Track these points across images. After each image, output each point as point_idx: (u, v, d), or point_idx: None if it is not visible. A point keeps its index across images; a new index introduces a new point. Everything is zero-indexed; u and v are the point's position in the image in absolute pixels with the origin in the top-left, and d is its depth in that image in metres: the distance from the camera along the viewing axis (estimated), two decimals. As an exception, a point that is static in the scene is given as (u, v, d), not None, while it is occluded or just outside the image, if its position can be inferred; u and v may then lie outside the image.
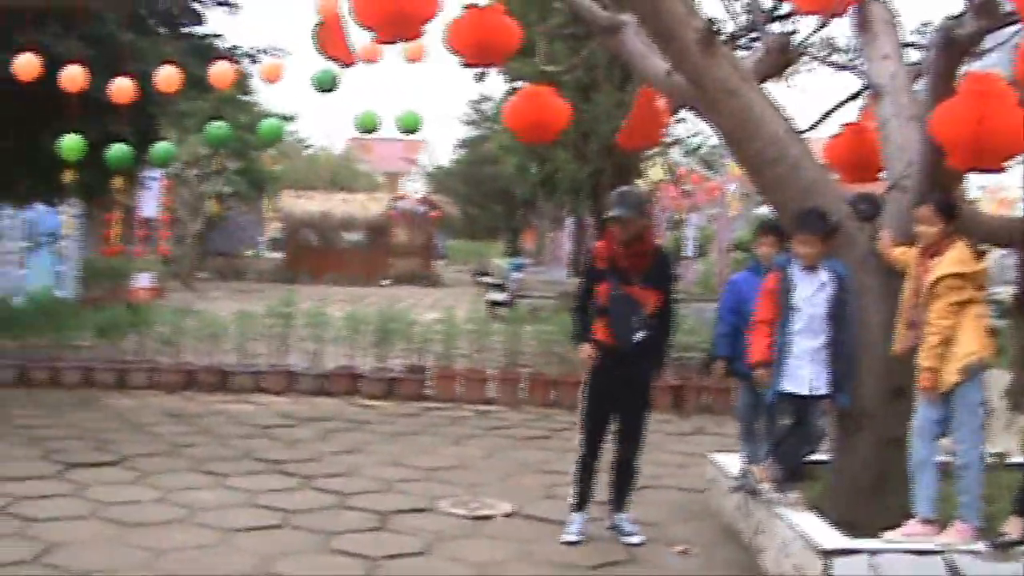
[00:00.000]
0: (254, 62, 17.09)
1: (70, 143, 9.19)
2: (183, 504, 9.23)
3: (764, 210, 23.41)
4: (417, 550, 8.25)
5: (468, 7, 7.24)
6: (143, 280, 27.67)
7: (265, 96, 60.87)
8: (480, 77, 22.54)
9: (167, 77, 8.91)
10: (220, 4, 17.04)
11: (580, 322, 8.64)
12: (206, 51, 16.39)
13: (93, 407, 13.72)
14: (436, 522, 9.02)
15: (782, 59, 8.84)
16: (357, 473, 10.62)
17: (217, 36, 17.37)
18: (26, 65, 9.00)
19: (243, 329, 16.18)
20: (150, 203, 30.98)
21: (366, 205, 45.45)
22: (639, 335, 8.34)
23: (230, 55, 15.95)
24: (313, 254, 44.24)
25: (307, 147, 66.07)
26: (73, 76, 8.93)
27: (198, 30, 17.25)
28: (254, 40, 46.35)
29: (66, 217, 23.86)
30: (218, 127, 9.05)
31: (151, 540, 8.18)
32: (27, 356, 15.97)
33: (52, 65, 9.26)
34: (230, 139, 9.52)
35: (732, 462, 9.50)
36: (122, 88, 9.09)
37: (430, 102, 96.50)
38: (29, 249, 23.35)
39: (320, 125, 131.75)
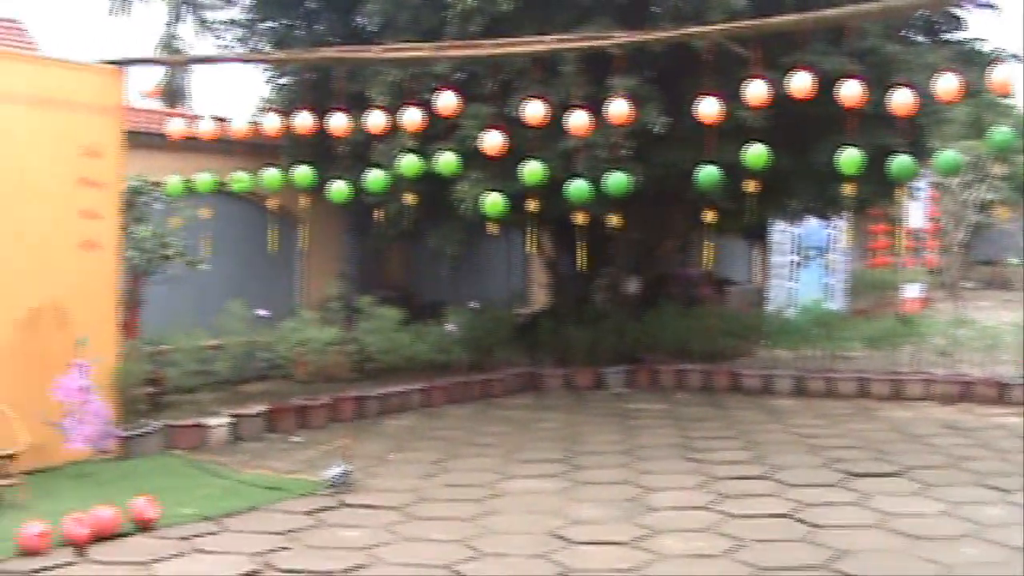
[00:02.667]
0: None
1: (849, 158, 9.34)
2: (969, 519, 8.98)
3: None
4: None
5: None
6: (912, 291, 27.48)
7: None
8: None
9: (946, 86, 8.72)
10: (981, 6, 16.42)
11: None
12: (971, 57, 15.89)
13: (868, 417, 13.86)
14: None
15: None
16: None
17: (981, 40, 16.78)
18: (801, 84, 9.31)
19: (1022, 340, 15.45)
20: (917, 214, 30.71)
21: None
22: None
23: (996, 59, 15.30)
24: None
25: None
26: (852, 91, 9.07)
27: (959, 35, 16.79)
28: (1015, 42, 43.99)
29: (835, 231, 24.36)
30: (1003, 133, 8.70)
31: (940, 554, 8.05)
32: (802, 367, 16.53)
33: (823, 82, 9.54)
34: (1012, 145, 9.15)
35: None
36: (902, 100, 9.06)
37: None
38: (799, 263, 24.19)
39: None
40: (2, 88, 10.65)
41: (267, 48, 17.30)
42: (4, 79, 10.74)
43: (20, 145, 10.73)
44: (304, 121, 11.59)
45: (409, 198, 12.39)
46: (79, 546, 8.20)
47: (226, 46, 17.90)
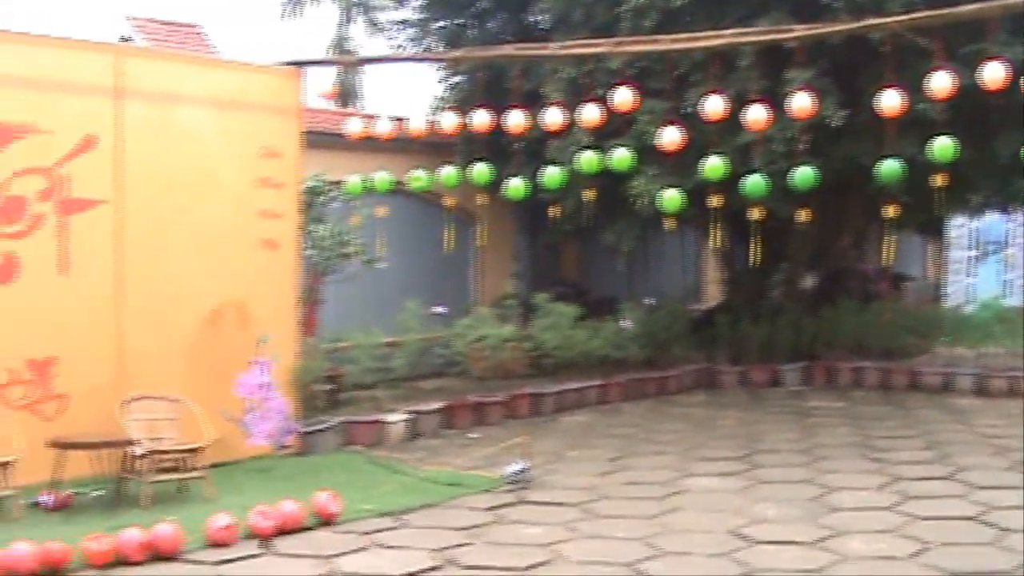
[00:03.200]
0: None
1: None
2: None
3: None
4: None
5: None
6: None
7: None
8: None
9: None
10: None
11: None
12: None
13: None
14: None
15: None
16: None
17: None
18: (993, 75, 8.97)
19: None
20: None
21: None
22: None
23: None
24: None
25: None
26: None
27: None
28: None
29: (1014, 225, 23.50)
30: None
31: None
32: (983, 365, 15.97)
33: (1015, 73, 9.19)
34: None
35: None
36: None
37: None
38: (977, 258, 23.39)
39: None
40: (185, 91, 10.95)
41: (439, 48, 17.52)
42: (187, 83, 11.04)
43: (203, 147, 11.01)
44: (481, 119, 11.66)
45: (587, 194, 12.38)
46: (264, 539, 8.37)
47: (399, 46, 18.18)
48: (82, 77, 10.32)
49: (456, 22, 17.55)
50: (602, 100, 11.36)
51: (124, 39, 17.20)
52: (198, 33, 18.90)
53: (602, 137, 12.69)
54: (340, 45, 28.73)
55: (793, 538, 8.39)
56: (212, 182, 11.06)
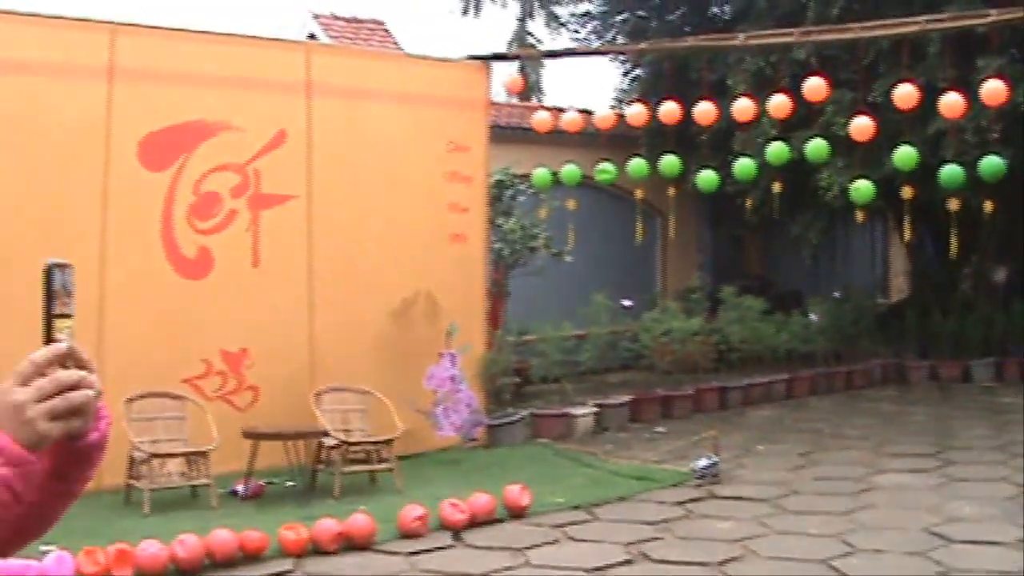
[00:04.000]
0: None
1: None
2: None
3: None
4: None
5: None
6: None
7: None
8: None
9: None
10: None
11: None
12: None
13: None
14: None
15: None
16: None
17: None
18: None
19: None
20: None
21: None
22: None
23: None
24: None
25: None
26: None
27: None
28: None
29: None
30: None
31: None
32: None
33: None
34: None
35: None
36: None
37: None
38: None
39: None
40: (373, 87, 11.14)
41: (621, 40, 17.58)
42: (375, 78, 11.25)
43: (391, 142, 11.17)
44: (669, 110, 11.66)
45: (776, 186, 12.30)
46: (456, 530, 8.45)
47: (581, 39, 18.32)
48: (274, 75, 10.64)
49: (638, 14, 17.58)
50: (789, 90, 11.25)
51: (310, 37, 17.76)
52: (384, 29, 19.35)
53: (787, 128, 12.57)
54: (520, 39, 29.03)
55: (991, 538, 8.13)
56: (401, 176, 11.23)
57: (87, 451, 1.68)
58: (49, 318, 1.54)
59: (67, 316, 1.55)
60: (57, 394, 1.51)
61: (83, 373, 1.54)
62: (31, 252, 9.13)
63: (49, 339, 1.54)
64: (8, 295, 8.99)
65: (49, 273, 1.55)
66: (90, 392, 1.54)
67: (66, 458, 1.66)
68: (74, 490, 1.74)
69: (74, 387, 1.52)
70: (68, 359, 1.53)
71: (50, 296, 1.55)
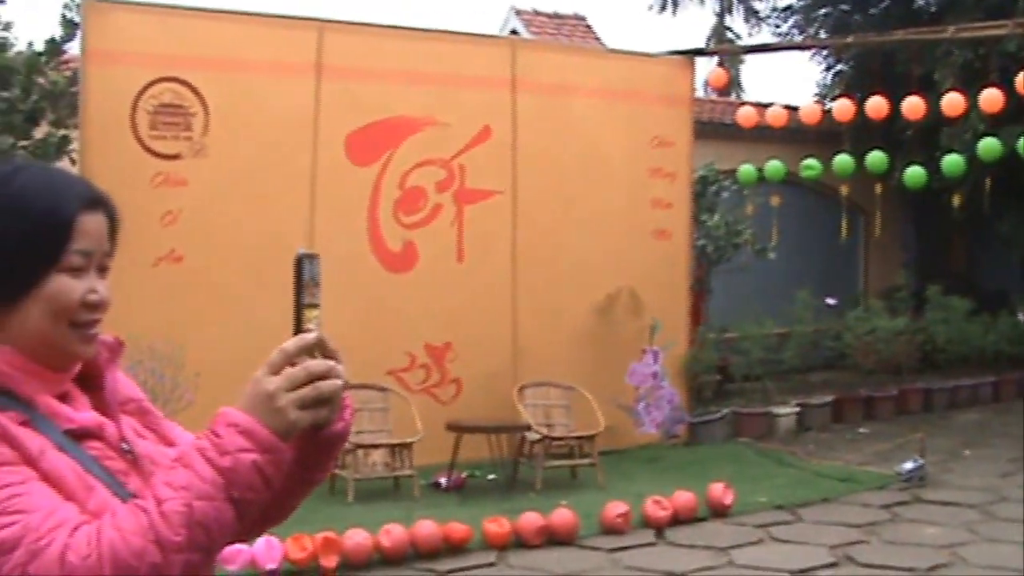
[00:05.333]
0: None
1: None
2: None
3: None
4: None
5: None
6: None
7: None
8: None
9: None
10: None
11: None
12: None
13: None
14: None
15: None
16: None
17: None
18: None
19: None
20: None
21: None
22: None
23: None
24: None
25: None
26: None
27: None
28: None
29: None
30: None
31: None
32: None
33: None
34: None
35: None
36: None
37: None
38: None
39: None
40: (576, 82, 11.19)
41: (823, 35, 17.31)
42: (578, 74, 11.29)
43: (594, 137, 11.20)
44: (877, 105, 11.45)
45: (988, 183, 11.93)
46: (658, 528, 8.48)
47: (783, 34, 18.11)
48: (479, 71, 10.76)
49: (841, 8, 17.27)
50: (1000, 84, 10.93)
51: (512, 32, 18.03)
52: (586, 25, 19.50)
53: (997, 123, 12.20)
54: (719, 35, 28.86)
55: None
56: (604, 172, 11.25)
57: (331, 441, 1.76)
58: (299, 308, 1.60)
59: (315, 306, 1.60)
60: (307, 383, 1.57)
61: (332, 363, 1.60)
62: (246, 244, 9.66)
63: (299, 329, 1.60)
64: (223, 282, 9.52)
65: (300, 264, 1.60)
66: (338, 382, 1.60)
67: (311, 448, 1.74)
68: (316, 479, 1.84)
69: (323, 376, 1.58)
70: (317, 349, 1.60)
71: (300, 286, 1.60)
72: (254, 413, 1.55)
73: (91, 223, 1.68)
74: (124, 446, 1.71)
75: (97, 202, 1.71)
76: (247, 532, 1.81)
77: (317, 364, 1.58)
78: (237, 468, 1.52)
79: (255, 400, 1.56)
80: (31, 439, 1.57)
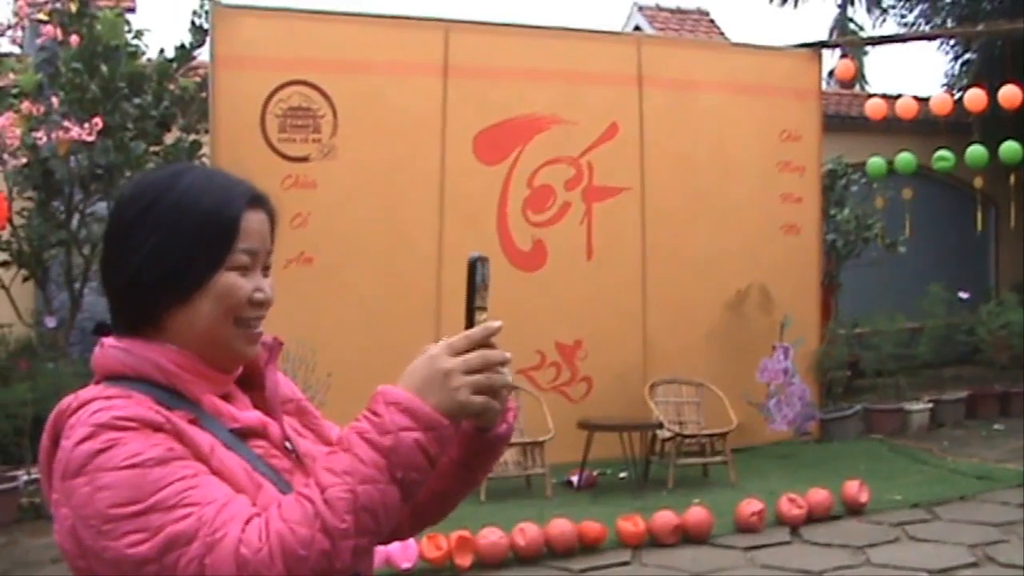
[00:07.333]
0: None
1: None
2: None
3: None
4: None
5: None
6: None
7: None
8: None
9: None
10: None
11: None
12: None
13: None
14: None
15: None
16: None
17: None
18: None
19: None
20: None
21: None
22: None
23: None
24: None
25: None
26: None
27: None
28: None
29: None
30: None
31: None
32: None
33: None
34: None
35: None
36: None
37: None
38: None
39: None
40: (702, 77, 11.14)
41: (951, 24, 16.95)
42: (707, 68, 11.25)
43: (722, 132, 11.14)
44: (1010, 95, 11.19)
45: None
46: (793, 526, 8.38)
47: (909, 24, 17.78)
48: (605, 68, 10.76)
49: (969, -3, 16.91)
50: None
51: (635, 28, 17.99)
52: (709, 20, 19.39)
53: None
54: (842, 27, 28.40)
55: None
56: (732, 166, 11.18)
57: (495, 442, 1.79)
58: (471, 310, 1.62)
59: (483, 309, 1.63)
60: (484, 370, 1.59)
61: (508, 355, 1.62)
62: (375, 245, 9.81)
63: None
64: (353, 283, 9.67)
65: (472, 267, 1.63)
66: (508, 378, 1.62)
67: (476, 449, 1.78)
68: (477, 479, 1.87)
69: (498, 367, 1.60)
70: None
71: (472, 289, 1.63)
72: (421, 391, 1.55)
73: (255, 222, 1.71)
74: (287, 445, 1.74)
75: (259, 201, 1.74)
76: (410, 528, 1.88)
77: (495, 353, 1.60)
78: (399, 448, 1.51)
79: (427, 377, 1.56)
80: (201, 437, 1.60)
